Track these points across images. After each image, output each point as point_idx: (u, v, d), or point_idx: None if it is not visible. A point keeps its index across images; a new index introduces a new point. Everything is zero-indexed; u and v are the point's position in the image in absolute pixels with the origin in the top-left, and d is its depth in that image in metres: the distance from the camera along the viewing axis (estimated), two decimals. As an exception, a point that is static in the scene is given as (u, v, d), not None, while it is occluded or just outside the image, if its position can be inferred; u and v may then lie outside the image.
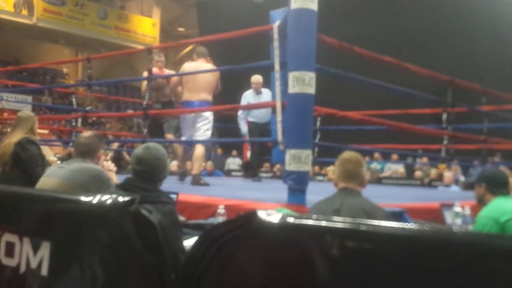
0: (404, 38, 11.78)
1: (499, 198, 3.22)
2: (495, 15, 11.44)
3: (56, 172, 2.92)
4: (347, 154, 2.88)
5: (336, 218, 1.07)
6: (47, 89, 18.04)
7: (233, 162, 12.07)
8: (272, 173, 10.51)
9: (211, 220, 3.36)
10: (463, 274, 0.90)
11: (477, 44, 11.40)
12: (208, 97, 5.75)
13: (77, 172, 2.83)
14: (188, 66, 5.99)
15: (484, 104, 7.02)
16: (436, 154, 6.91)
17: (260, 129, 7.02)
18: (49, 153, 9.23)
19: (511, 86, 8.46)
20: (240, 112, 7.27)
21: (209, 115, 5.74)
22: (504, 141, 7.63)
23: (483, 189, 3.32)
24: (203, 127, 5.70)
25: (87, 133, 3.25)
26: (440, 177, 9.15)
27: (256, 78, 7.01)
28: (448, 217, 3.83)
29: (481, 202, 3.35)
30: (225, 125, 10.23)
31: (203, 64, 5.88)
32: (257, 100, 6.95)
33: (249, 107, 7.10)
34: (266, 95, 6.84)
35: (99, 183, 2.80)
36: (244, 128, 7.25)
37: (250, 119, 7.18)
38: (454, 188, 8.31)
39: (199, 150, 5.71)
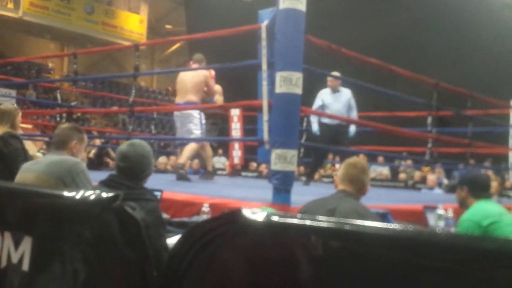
0: (390, 42, 11.86)
1: (481, 201, 3.24)
2: (481, 20, 11.56)
3: (32, 167, 2.89)
4: (353, 159, 2.94)
5: (320, 217, 1.07)
6: (32, 83, 17.84)
7: (219, 161, 12.04)
8: (258, 173, 10.52)
9: (195, 218, 3.35)
10: (447, 274, 0.90)
11: (463, 49, 11.52)
12: (194, 98, 5.92)
13: (53, 165, 2.79)
14: (181, 73, 6.24)
15: (469, 108, 7.08)
16: (421, 157, 6.96)
17: (333, 131, 6.44)
18: (33, 148, 9.14)
19: (496, 91, 8.57)
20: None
21: (196, 114, 5.91)
22: (489, 146, 7.72)
23: (465, 192, 3.32)
24: (193, 127, 5.90)
25: (63, 125, 3.22)
26: (424, 180, 9.23)
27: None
28: (431, 219, 3.87)
29: (463, 205, 3.37)
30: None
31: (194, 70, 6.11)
32: (333, 99, 6.50)
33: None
34: (344, 94, 6.50)
35: (74, 174, 2.77)
36: (316, 126, 6.58)
37: (323, 120, 6.54)
38: (438, 191, 8.38)
39: (191, 145, 6.05)
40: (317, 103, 6.53)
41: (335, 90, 6.48)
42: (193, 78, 5.97)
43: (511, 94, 8.66)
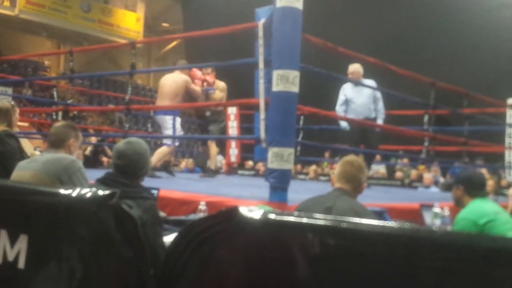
0: (388, 41, 11.87)
1: (477, 200, 3.24)
2: (478, 19, 11.57)
3: (28, 165, 2.88)
4: (350, 157, 2.94)
5: (317, 215, 1.07)
6: (28, 81, 17.79)
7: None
8: (254, 171, 10.52)
9: (192, 217, 3.35)
10: (444, 272, 0.90)
11: (460, 48, 11.54)
12: (170, 103, 6.09)
13: (49, 163, 2.79)
14: (163, 77, 6.44)
15: (466, 107, 7.10)
16: (417, 155, 6.97)
17: (361, 127, 6.04)
18: (29, 146, 9.12)
19: (493, 89, 8.59)
20: (337, 107, 6.29)
21: (169, 119, 6.10)
22: (484, 144, 7.74)
23: (461, 191, 3.33)
24: (165, 132, 6.13)
25: (58, 123, 3.21)
26: (420, 178, 9.25)
27: (353, 68, 6.06)
28: (427, 217, 3.87)
29: (458, 204, 3.37)
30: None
31: (175, 75, 6.25)
32: (356, 92, 6.15)
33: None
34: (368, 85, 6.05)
35: (71, 172, 2.77)
36: (343, 122, 6.21)
37: (350, 115, 6.18)
38: (434, 189, 8.40)
39: (162, 148, 6.22)
40: (340, 98, 6.25)
41: (357, 83, 6.10)
42: (173, 83, 6.14)
43: (507, 93, 8.69)
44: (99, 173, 2.64)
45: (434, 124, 6.56)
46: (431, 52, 11.87)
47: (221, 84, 6.77)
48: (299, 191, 4.14)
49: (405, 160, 10.69)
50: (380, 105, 6.15)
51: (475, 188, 3.30)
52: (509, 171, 8.95)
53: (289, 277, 1.05)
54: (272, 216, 1.10)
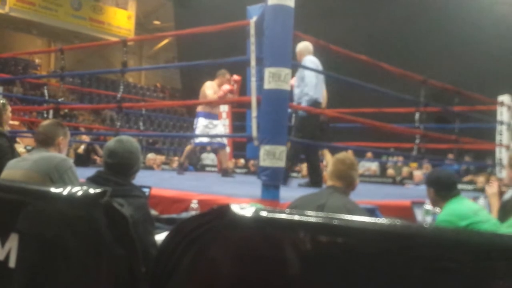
0: (379, 39, 11.91)
1: (453, 200, 3.17)
2: (469, 17, 11.63)
3: (19, 164, 2.86)
4: (342, 155, 2.95)
5: (309, 212, 1.07)
6: (19, 79, 17.67)
7: (208, 158, 12.03)
8: (247, 169, 10.53)
9: (184, 215, 3.34)
10: (434, 268, 0.91)
11: (451, 46, 11.59)
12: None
13: (40, 162, 2.78)
14: None
15: (456, 104, 7.13)
16: (408, 152, 7.00)
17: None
18: (19, 145, 9.04)
19: (484, 87, 8.63)
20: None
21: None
22: (475, 141, 7.78)
23: (432, 193, 3.27)
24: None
25: (45, 122, 3.19)
26: (412, 176, 9.28)
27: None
28: (419, 214, 3.89)
29: (436, 205, 3.35)
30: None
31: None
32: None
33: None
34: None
35: (62, 171, 2.76)
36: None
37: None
38: (424, 186, 8.42)
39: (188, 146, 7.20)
40: None
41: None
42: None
43: (498, 91, 8.73)
44: (92, 172, 2.63)
45: (429, 122, 6.59)
46: (422, 50, 11.92)
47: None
48: (292, 189, 4.15)
49: (396, 158, 10.74)
50: (306, 89, 5.07)
51: (445, 190, 3.22)
52: (500, 168, 9.00)
53: (281, 275, 1.05)
54: (263, 213, 1.10)
